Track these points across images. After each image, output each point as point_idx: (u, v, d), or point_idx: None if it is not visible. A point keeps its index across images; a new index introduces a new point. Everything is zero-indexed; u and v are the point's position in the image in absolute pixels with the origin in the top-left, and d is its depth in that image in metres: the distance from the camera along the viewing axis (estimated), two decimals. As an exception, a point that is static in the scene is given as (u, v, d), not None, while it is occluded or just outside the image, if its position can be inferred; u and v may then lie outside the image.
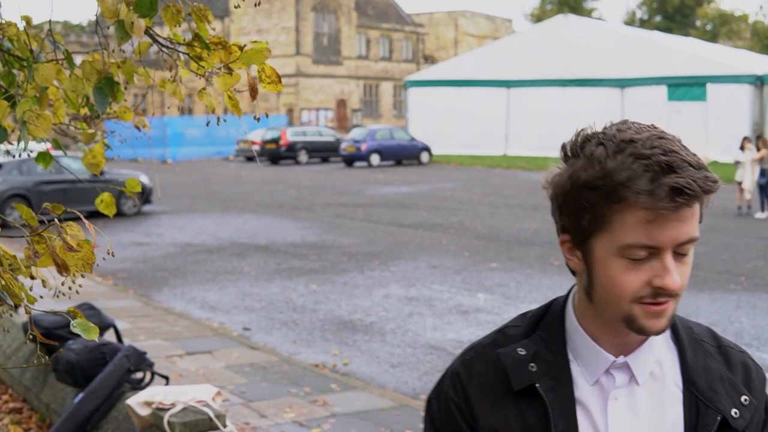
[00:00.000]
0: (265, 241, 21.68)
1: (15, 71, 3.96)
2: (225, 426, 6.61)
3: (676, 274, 1.90)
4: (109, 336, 8.97)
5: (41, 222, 3.21)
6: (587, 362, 2.07)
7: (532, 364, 2.07)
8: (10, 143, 4.21)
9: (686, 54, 56.17)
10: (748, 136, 29.24)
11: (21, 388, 9.52)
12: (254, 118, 3.44)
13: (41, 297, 3.60)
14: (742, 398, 2.07)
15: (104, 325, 8.98)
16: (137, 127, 4.48)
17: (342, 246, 20.75)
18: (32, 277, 3.36)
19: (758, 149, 27.90)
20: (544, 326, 2.13)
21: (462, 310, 13.95)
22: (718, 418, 2.04)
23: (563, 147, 2.07)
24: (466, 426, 2.10)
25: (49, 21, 3.74)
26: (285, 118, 75.45)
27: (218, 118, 3.43)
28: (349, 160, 52.90)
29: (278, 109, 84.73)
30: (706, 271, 17.04)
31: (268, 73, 3.23)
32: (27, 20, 4.06)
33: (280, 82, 3.25)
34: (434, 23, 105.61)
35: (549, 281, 16.12)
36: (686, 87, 51.90)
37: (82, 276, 3.02)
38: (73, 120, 4.49)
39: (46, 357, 3.62)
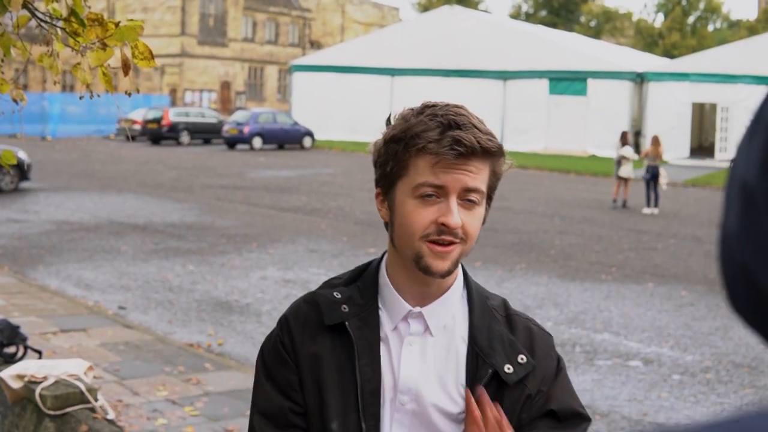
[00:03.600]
0: (143, 221, 21.57)
1: None
2: (96, 400, 6.67)
3: (457, 216, 2.25)
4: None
5: None
6: (390, 309, 2.43)
7: (345, 306, 2.42)
8: None
9: (569, 49, 57.10)
10: (626, 131, 29.81)
11: None
12: (126, 93, 3.53)
13: None
14: (519, 357, 2.41)
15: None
16: (15, 101, 4.50)
17: (220, 228, 20.75)
18: None
19: (635, 146, 28.49)
20: (362, 278, 2.49)
21: (338, 293, 14.05)
22: (490, 371, 2.38)
23: (387, 118, 2.43)
24: (290, 359, 2.44)
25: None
26: (168, 99, 74.82)
27: (91, 93, 3.51)
28: (231, 143, 52.69)
29: (161, 89, 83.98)
30: (579, 261, 17.46)
31: (141, 50, 3.33)
32: None
33: (152, 58, 3.36)
34: (321, 9, 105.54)
35: (425, 267, 16.30)
36: (567, 81, 52.82)
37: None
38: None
39: None
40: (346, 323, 2.40)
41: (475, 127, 2.27)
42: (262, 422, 2.48)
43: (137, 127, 56.63)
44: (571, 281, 15.53)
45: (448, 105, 2.35)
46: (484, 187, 2.31)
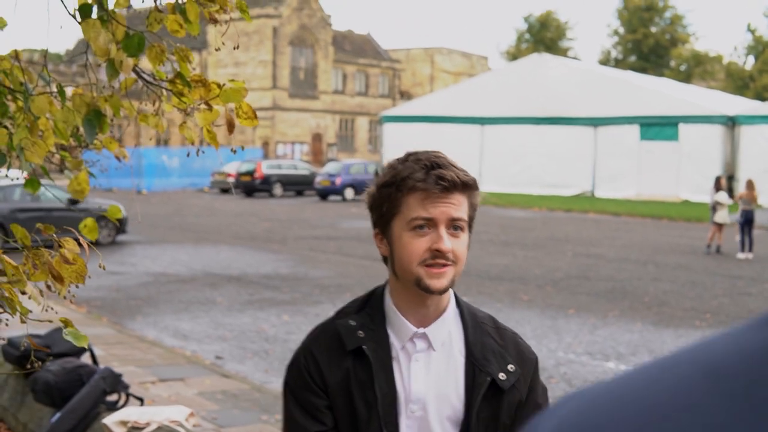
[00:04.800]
0: (237, 273, 21.88)
1: (6, 102, 4.23)
2: (197, 445, 6.87)
3: (447, 241, 2.70)
4: (86, 360, 9.18)
5: (34, 241, 3.50)
6: (398, 332, 2.87)
7: (360, 332, 2.86)
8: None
9: (659, 94, 56.78)
10: (720, 176, 29.54)
11: (-2, 409, 9.73)
12: (231, 150, 3.74)
13: (6, 324, 3.87)
14: (509, 366, 2.88)
15: (80, 349, 9.23)
16: (118, 158, 4.72)
17: (314, 278, 20.97)
18: (23, 293, 3.64)
19: (728, 190, 28.26)
20: (369, 306, 2.94)
21: (430, 342, 14.14)
22: (488, 378, 2.84)
23: (375, 170, 2.83)
24: (315, 385, 2.85)
25: (44, 57, 4.02)
26: (260, 151, 75.67)
27: (197, 150, 3.72)
28: (324, 194, 53.15)
29: (254, 141, 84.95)
30: (673, 308, 17.37)
31: (245, 109, 3.56)
32: (17, 55, 4.33)
33: (255, 117, 3.59)
34: (411, 59, 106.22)
35: (518, 315, 16.32)
36: (659, 127, 52.43)
37: (77, 287, 3.31)
38: (59, 149, 4.74)
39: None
40: (364, 347, 2.83)
41: (453, 166, 2.76)
42: None
43: (231, 179, 57.35)
44: (665, 328, 15.47)
45: (427, 151, 2.82)
46: (466, 217, 2.76)
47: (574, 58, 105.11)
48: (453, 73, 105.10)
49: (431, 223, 2.72)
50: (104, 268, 3.66)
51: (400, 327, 2.86)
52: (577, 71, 62.35)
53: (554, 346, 13.97)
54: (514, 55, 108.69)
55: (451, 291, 2.88)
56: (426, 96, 78.25)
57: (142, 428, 6.93)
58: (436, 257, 2.71)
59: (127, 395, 8.35)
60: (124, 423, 7.12)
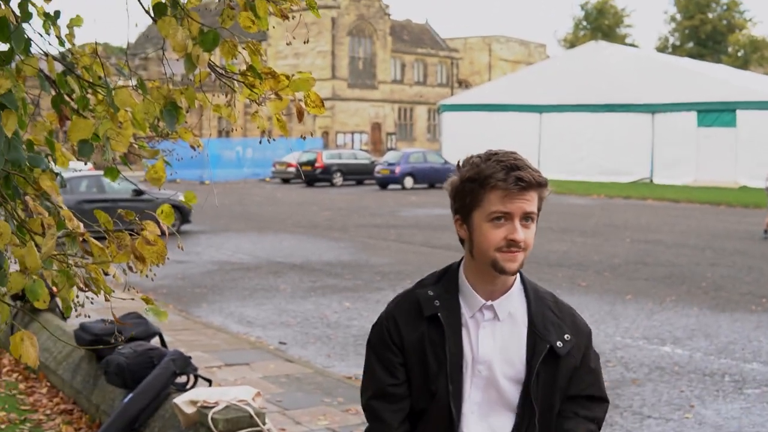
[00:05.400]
0: (300, 260, 22.18)
1: (87, 95, 4.50)
2: (264, 423, 7.12)
3: (521, 232, 3.18)
4: (155, 344, 9.47)
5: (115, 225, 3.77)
6: (468, 302, 3.36)
7: (437, 301, 3.36)
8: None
9: (717, 80, 56.42)
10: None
11: (72, 391, 10.03)
12: (301, 137, 4.01)
13: (92, 303, 4.14)
14: (565, 336, 3.35)
15: (151, 333, 9.56)
16: (192, 147, 4.97)
17: (375, 265, 21.21)
18: (106, 273, 3.91)
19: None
20: (445, 279, 3.43)
21: (490, 327, 14.29)
22: (548, 345, 3.32)
23: (458, 163, 3.33)
24: (393, 344, 3.39)
25: (125, 53, 4.28)
26: (321, 141, 76.03)
27: (268, 137, 3.98)
28: (383, 183, 53.38)
29: (314, 131, 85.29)
30: (729, 293, 17.42)
31: (313, 98, 3.84)
32: (95, 50, 4.59)
33: (323, 106, 3.86)
34: (468, 48, 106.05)
35: (577, 301, 16.41)
36: (716, 113, 52.10)
37: (157, 266, 3.57)
38: (136, 140, 5.00)
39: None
40: (439, 314, 3.33)
41: (529, 168, 3.21)
42: (377, 402, 3.44)
43: (291, 169, 57.76)
44: (721, 312, 15.54)
45: (507, 152, 3.28)
46: (536, 210, 3.24)
47: (632, 45, 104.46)
48: (511, 62, 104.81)
49: (508, 216, 3.19)
50: (182, 248, 3.96)
51: (471, 299, 3.35)
52: (634, 58, 62.13)
53: (612, 330, 14.11)
54: (571, 43, 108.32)
55: None
56: (484, 84, 78.32)
57: (211, 407, 7.18)
58: (511, 245, 3.19)
59: (196, 377, 8.62)
60: (193, 402, 7.38)
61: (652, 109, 54.44)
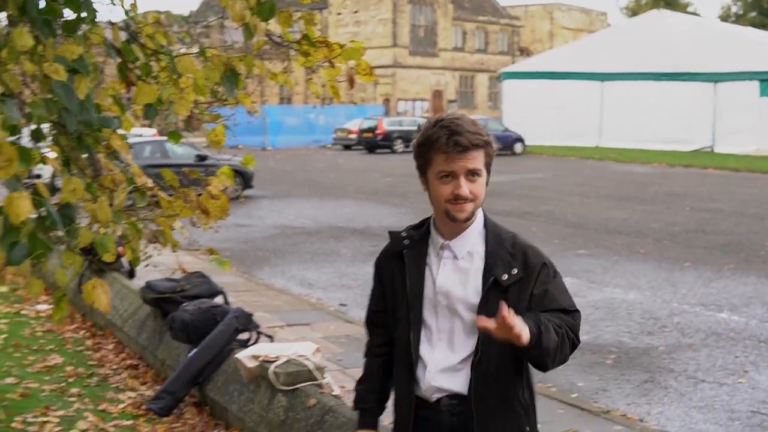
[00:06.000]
0: (361, 226, 22.45)
1: (150, 63, 4.76)
2: (323, 377, 7.41)
3: (464, 188, 3.71)
4: (219, 302, 9.77)
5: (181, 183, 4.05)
6: (434, 243, 3.95)
7: (406, 240, 3.99)
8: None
9: (779, 50, 55.77)
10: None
11: (138, 347, 10.37)
12: (351, 102, 4.28)
13: (159, 254, 4.42)
14: (513, 270, 3.81)
15: (214, 292, 9.88)
16: (249, 113, 5.22)
17: (435, 232, 21.33)
18: (172, 228, 4.19)
19: None
20: (422, 224, 4.02)
21: (548, 292, 14.42)
22: (492, 278, 3.80)
23: (418, 126, 3.85)
24: (378, 276, 4.14)
25: (187, 22, 4.53)
26: (382, 108, 76.11)
27: (323, 102, 4.24)
28: (444, 150, 53.39)
29: (375, 99, 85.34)
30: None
31: (363, 66, 4.10)
32: (157, 19, 4.85)
33: (373, 73, 4.12)
34: (530, 16, 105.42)
35: (634, 268, 16.58)
36: (779, 82, 51.64)
37: (222, 219, 3.86)
38: (197, 105, 5.26)
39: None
40: (404, 252, 3.97)
41: (469, 131, 3.70)
42: (367, 324, 4.29)
43: (352, 136, 57.98)
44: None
45: (451, 117, 3.80)
46: (482, 166, 3.76)
47: (694, 13, 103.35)
48: (572, 30, 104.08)
49: (453, 174, 3.72)
50: (243, 201, 4.24)
51: (435, 240, 3.94)
52: (696, 27, 61.51)
53: (669, 297, 14.22)
54: (633, 11, 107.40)
55: (480, 216, 3.91)
56: (545, 52, 77.88)
57: (272, 361, 7.47)
58: (457, 198, 3.73)
59: (258, 333, 8.89)
60: (255, 357, 7.68)
61: (714, 78, 53.96)
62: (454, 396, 3.92)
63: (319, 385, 7.31)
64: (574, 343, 3.89)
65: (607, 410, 8.72)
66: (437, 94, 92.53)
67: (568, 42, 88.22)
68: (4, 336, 11.27)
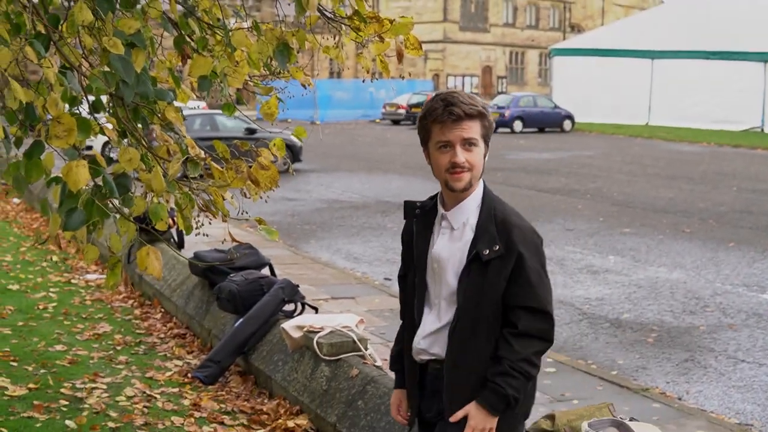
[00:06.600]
0: (407, 200, 22.45)
1: (206, 36, 4.87)
2: (366, 349, 7.53)
3: (461, 156, 3.93)
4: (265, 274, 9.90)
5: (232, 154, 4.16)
6: (439, 213, 4.17)
7: (418, 210, 4.27)
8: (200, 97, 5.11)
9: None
10: None
11: (185, 317, 10.54)
12: (399, 76, 4.39)
13: (210, 223, 4.53)
14: (495, 246, 3.97)
15: (261, 263, 10.02)
16: (303, 86, 5.33)
17: (480, 207, 21.34)
18: (223, 198, 4.31)
19: None
20: (437, 195, 4.24)
21: (592, 270, 14.45)
22: (474, 251, 3.99)
23: (423, 104, 4.05)
24: (403, 241, 4.43)
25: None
26: (431, 84, 76.10)
27: (372, 77, 4.35)
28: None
29: (425, 74, 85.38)
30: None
31: (412, 41, 4.23)
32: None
33: (421, 48, 4.24)
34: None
35: (679, 247, 16.56)
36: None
37: (273, 190, 3.97)
38: (251, 78, 5.36)
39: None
40: (414, 220, 4.28)
41: (463, 102, 3.90)
42: (398, 280, 4.57)
43: (401, 111, 58.04)
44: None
45: (450, 90, 4.08)
46: (478, 136, 3.97)
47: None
48: (625, 6, 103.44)
49: (449, 144, 3.95)
50: (293, 173, 4.37)
51: (439, 210, 4.16)
52: (748, 6, 60.75)
53: (712, 277, 14.22)
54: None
55: (480, 189, 4.11)
56: (597, 29, 77.55)
57: (317, 332, 7.60)
58: (455, 167, 3.95)
59: (303, 305, 9.02)
60: (300, 327, 7.82)
61: (764, 57, 53.54)
62: (438, 361, 4.16)
63: (362, 356, 7.45)
64: (540, 351, 4.05)
65: (646, 388, 8.77)
66: (487, 70, 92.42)
67: (619, 19, 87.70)
68: (54, 304, 11.50)
